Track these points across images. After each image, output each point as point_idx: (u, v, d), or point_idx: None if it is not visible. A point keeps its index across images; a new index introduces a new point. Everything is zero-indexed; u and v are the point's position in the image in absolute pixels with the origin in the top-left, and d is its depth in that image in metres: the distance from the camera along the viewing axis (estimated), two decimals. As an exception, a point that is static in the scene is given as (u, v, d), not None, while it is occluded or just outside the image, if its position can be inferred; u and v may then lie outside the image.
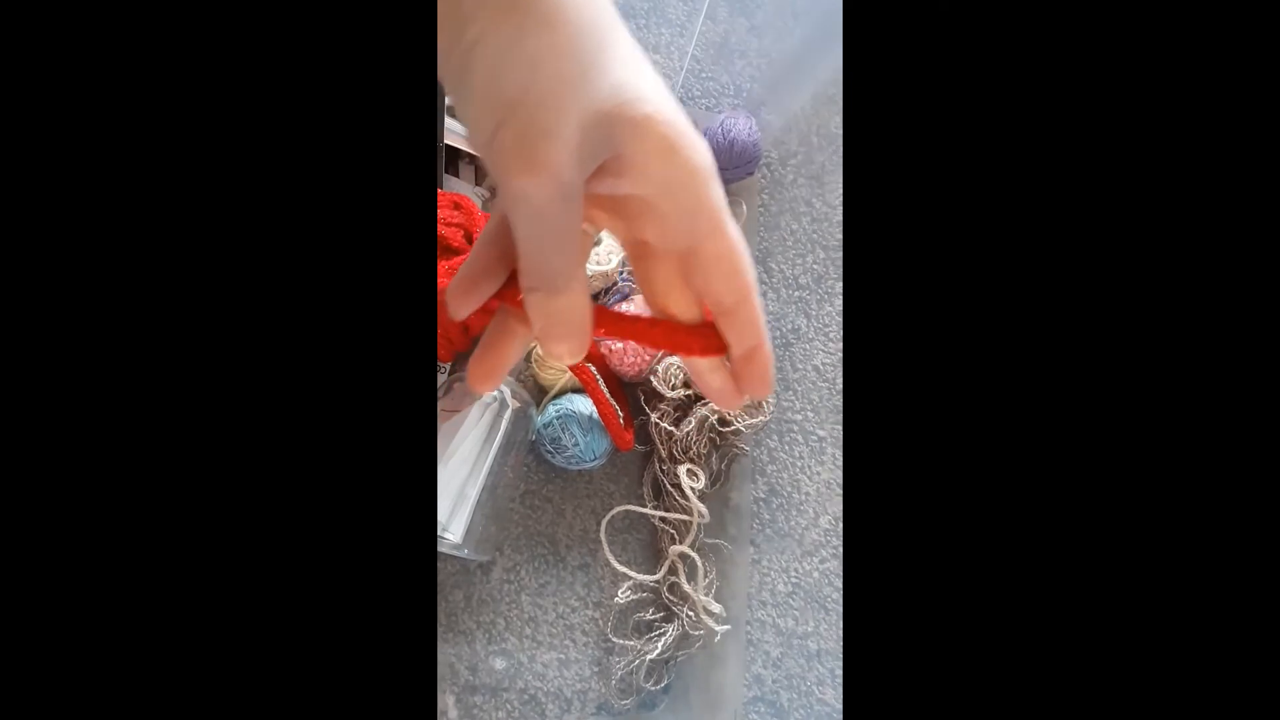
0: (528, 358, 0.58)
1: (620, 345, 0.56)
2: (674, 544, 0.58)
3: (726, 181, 0.65)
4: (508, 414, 0.54)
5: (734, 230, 0.24)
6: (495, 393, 0.53)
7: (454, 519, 0.52)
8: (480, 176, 0.59)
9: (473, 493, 0.52)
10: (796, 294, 0.66)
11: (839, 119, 0.69)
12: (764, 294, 0.66)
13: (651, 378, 0.57)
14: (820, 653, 0.63)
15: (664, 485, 0.59)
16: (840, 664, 0.63)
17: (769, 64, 0.68)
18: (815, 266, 0.67)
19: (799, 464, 0.65)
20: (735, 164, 0.63)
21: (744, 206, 0.64)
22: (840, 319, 0.67)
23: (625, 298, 0.59)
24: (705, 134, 0.63)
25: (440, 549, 0.52)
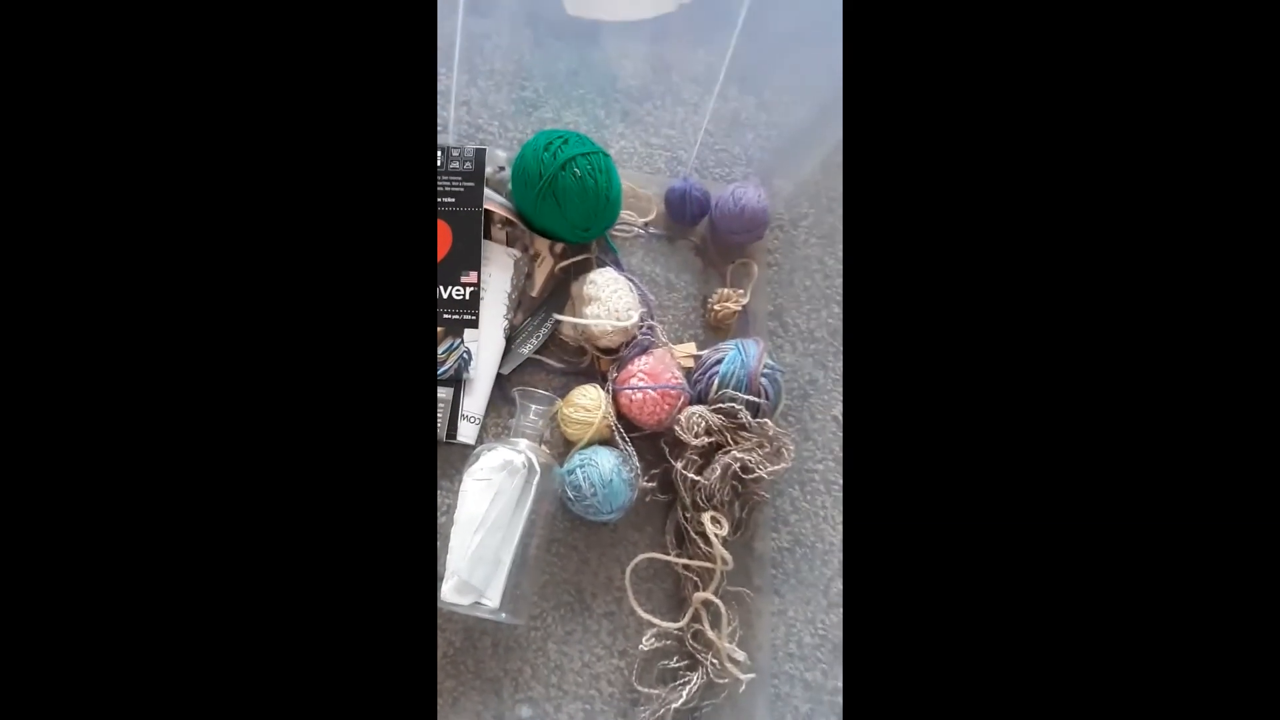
0: (553, 418, 0.61)
1: (640, 396, 0.59)
2: (697, 591, 0.59)
3: (738, 244, 0.69)
4: (536, 479, 0.56)
5: None
6: (525, 458, 0.56)
7: (491, 585, 0.53)
8: (511, 239, 0.64)
9: (507, 558, 0.54)
10: (812, 347, 0.69)
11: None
12: (780, 347, 0.69)
13: (675, 427, 0.59)
14: (851, 708, 0.62)
15: (687, 533, 0.61)
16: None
17: (779, 134, 0.73)
18: (830, 320, 0.70)
19: (822, 514, 0.66)
20: (746, 228, 0.67)
21: (754, 267, 0.68)
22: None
23: (644, 350, 0.62)
24: (718, 201, 0.67)
25: (478, 614, 0.53)
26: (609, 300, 0.61)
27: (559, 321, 0.63)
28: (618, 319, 0.61)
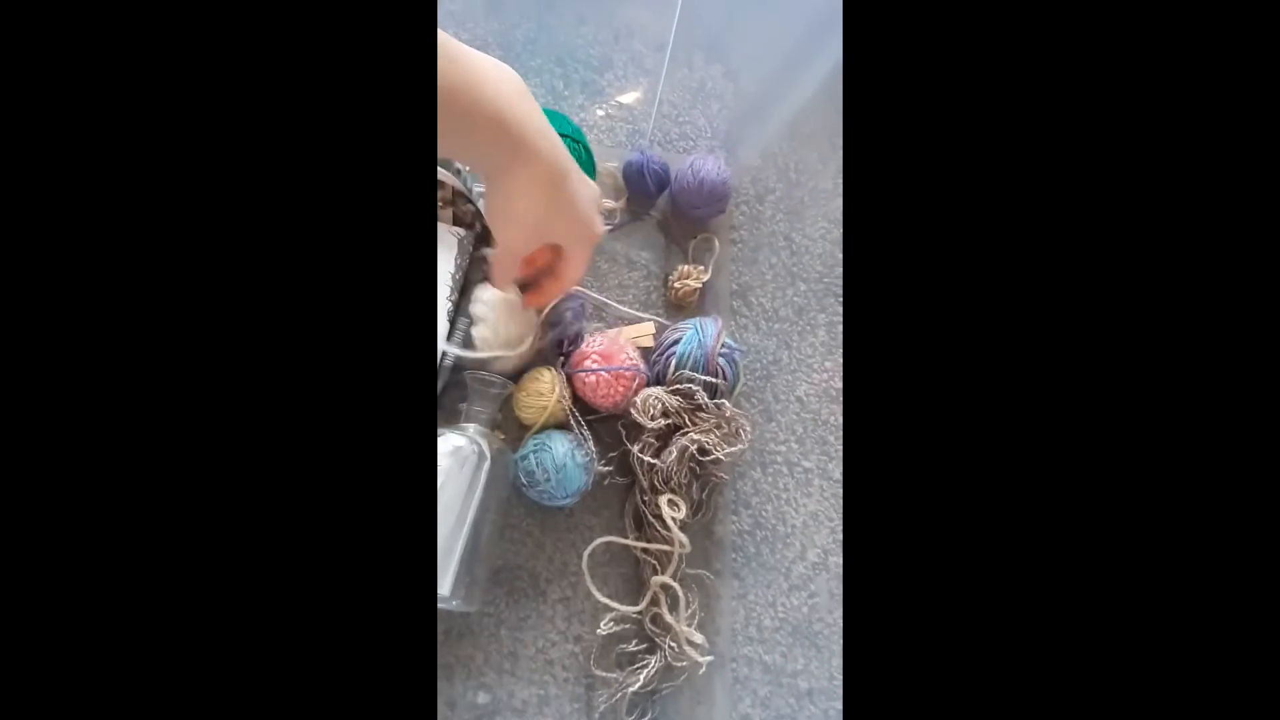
0: (508, 401, 0.60)
1: (593, 379, 0.57)
2: (656, 575, 0.58)
3: (699, 219, 0.67)
4: (486, 465, 0.54)
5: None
6: (474, 445, 0.54)
7: (442, 573, 0.52)
8: (459, 218, 0.62)
9: (458, 546, 0.52)
10: (777, 326, 0.67)
11: (816, 154, 0.71)
12: (744, 327, 0.67)
13: (631, 410, 0.58)
14: (811, 691, 0.61)
15: (645, 516, 0.59)
16: (834, 704, 0.62)
17: (745, 104, 0.71)
18: (796, 299, 0.68)
19: (784, 496, 0.65)
20: (705, 202, 0.65)
21: (716, 243, 0.66)
22: (823, 350, 0.68)
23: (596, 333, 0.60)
24: (676, 174, 0.65)
25: None
26: (497, 325, 0.56)
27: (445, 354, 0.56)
28: (507, 348, 0.56)
